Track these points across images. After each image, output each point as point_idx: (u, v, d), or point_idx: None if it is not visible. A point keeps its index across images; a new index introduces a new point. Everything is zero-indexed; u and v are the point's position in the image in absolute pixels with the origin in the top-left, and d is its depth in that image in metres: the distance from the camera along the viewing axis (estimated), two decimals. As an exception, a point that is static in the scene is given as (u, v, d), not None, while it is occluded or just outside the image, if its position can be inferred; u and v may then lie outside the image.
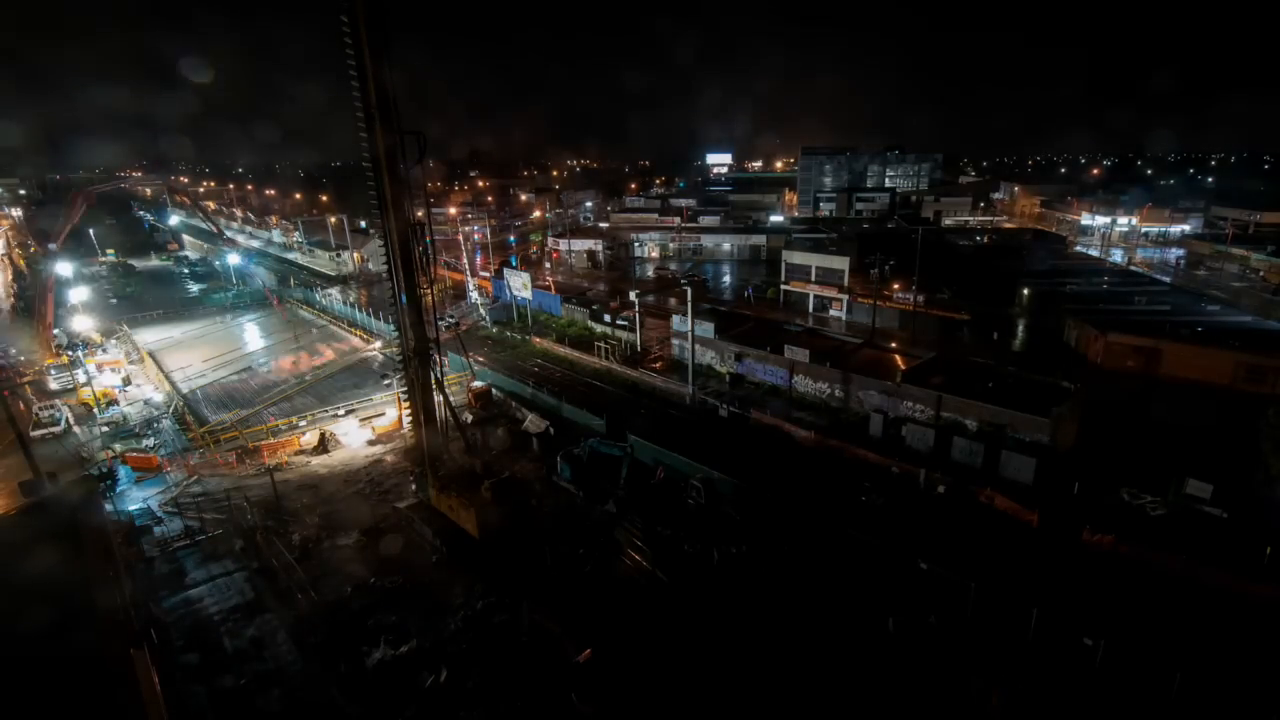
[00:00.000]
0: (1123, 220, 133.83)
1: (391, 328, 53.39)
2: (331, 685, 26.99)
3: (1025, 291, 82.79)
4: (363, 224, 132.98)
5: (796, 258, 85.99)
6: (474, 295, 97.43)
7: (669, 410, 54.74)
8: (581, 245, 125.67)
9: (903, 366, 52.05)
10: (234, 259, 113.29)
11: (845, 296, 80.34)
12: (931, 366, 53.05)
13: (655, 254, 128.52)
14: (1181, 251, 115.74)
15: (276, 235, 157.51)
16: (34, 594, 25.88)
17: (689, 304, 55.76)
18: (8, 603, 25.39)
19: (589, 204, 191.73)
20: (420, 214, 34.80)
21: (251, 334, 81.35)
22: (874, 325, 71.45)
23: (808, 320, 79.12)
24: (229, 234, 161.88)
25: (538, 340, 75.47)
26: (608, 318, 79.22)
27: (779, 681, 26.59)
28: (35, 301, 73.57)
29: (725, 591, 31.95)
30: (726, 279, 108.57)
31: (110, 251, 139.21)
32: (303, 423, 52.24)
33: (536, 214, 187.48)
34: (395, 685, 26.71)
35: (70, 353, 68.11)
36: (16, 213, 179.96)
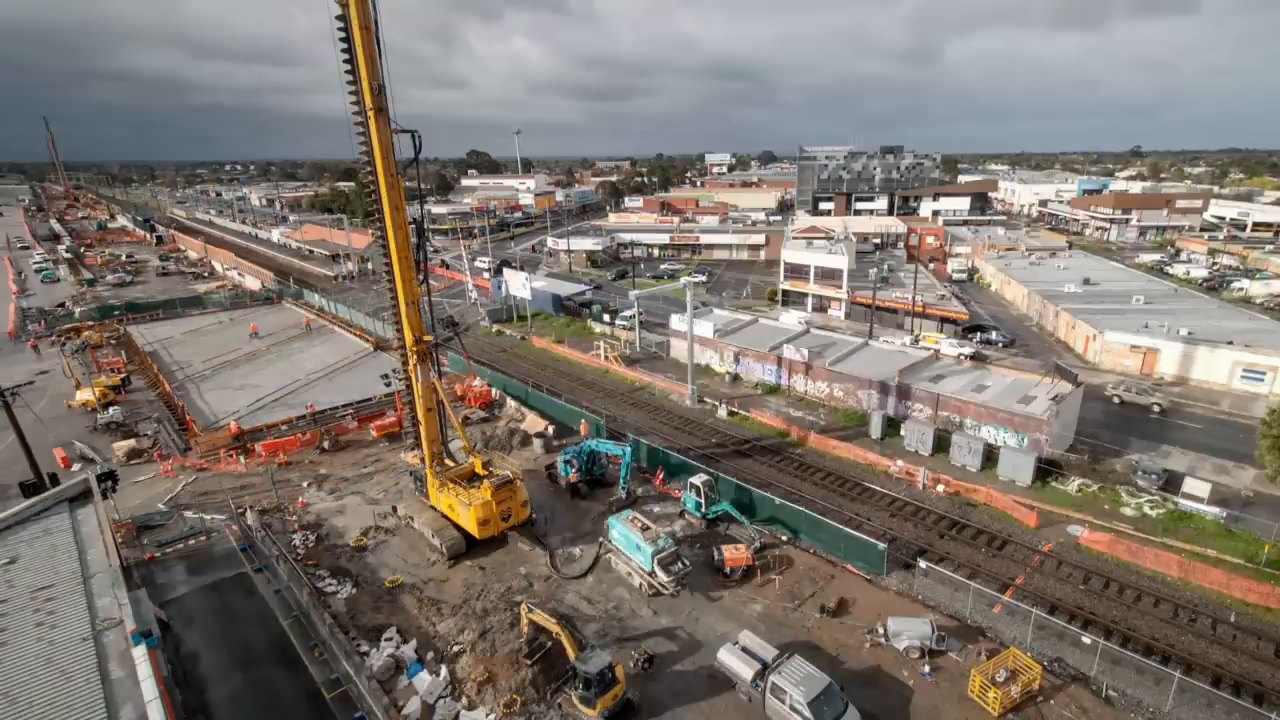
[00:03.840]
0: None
1: (391, 327, 53.49)
2: (333, 684, 27.07)
3: (1024, 291, 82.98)
4: (361, 223, 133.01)
5: (795, 257, 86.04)
6: (473, 295, 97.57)
7: (669, 410, 54.79)
8: (581, 245, 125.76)
9: (902, 365, 52.06)
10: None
11: (845, 295, 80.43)
12: (930, 365, 53.18)
13: (654, 254, 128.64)
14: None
15: (277, 235, 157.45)
16: (37, 593, 25.95)
17: (688, 304, 55.85)
18: (13, 602, 25.46)
19: (588, 204, 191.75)
20: (419, 213, 34.85)
21: (251, 333, 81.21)
22: (872, 324, 71.53)
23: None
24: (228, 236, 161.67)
25: (536, 340, 75.57)
26: (607, 317, 79.37)
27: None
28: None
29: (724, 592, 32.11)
30: (725, 279, 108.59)
31: (111, 252, 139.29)
32: (302, 422, 52.29)
33: (536, 212, 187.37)
34: (395, 684, 26.82)
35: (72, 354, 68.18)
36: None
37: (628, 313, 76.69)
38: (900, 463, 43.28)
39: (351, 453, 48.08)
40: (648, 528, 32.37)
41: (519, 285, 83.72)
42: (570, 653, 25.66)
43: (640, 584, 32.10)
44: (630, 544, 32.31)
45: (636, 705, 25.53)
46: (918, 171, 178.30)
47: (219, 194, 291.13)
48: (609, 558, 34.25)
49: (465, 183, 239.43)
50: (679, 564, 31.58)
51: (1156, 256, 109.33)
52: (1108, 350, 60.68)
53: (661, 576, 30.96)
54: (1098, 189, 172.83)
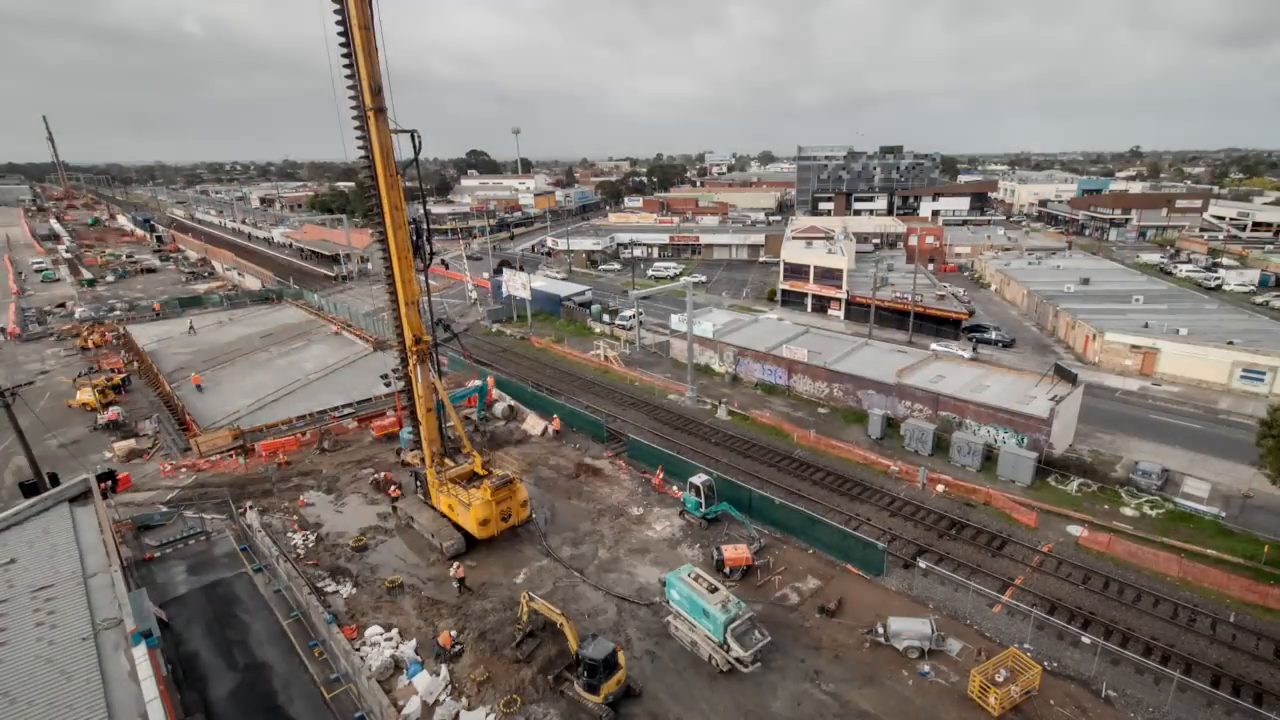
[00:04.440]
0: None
1: (391, 327, 53.52)
2: (333, 684, 27.08)
3: (1024, 291, 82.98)
4: (361, 223, 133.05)
5: (795, 257, 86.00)
6: (473, 294, 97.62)
7: (669, 410, 54.79)
8: (580, 245, 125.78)
9: (901, 365, 52.07)
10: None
11: (844, 296, 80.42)
12: (929, 364, 53.15)
13: (654, 254, 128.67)
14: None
15: (278, 235, 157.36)
16: (37, 593, 25.95)
17: (688, 304, 55.88)
18: (13, 602, 25.46)
19: (587, 204, 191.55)
20: (419, 212, 34.87)
21: (251, 332, 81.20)
22: (872, 324, 71.59)
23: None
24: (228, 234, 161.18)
25: (536, 340, 75.57)
26: (606, 317, 79.37)
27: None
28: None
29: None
30: (725, 279, 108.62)
31: (111, 252, 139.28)
32: (302, 422, 52.29)
33: (535, 212, 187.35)
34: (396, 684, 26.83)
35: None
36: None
37: (627, 313, 76.70)
38: (900, 463, 43.29)
39: (349, 452, 48.08)
40: (715, 588, 27.62)
41: (519, 285, 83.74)
42: (572, 641, 25.87)
43: (710, 656, 27.21)
44: (695, 608, 27.33)
45: (637, 690, 25.81)
46: (917, 171, 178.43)
47: (219, 194, 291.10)
48: (668, 621, 29.31)
49: (465, 183, 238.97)
50: (755, 633, 26.84)
51: (1156, 256, 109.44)
52: (1108, 350, 60.71)
53: (737, 650, 26.18)
54: (1098, 189, 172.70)
